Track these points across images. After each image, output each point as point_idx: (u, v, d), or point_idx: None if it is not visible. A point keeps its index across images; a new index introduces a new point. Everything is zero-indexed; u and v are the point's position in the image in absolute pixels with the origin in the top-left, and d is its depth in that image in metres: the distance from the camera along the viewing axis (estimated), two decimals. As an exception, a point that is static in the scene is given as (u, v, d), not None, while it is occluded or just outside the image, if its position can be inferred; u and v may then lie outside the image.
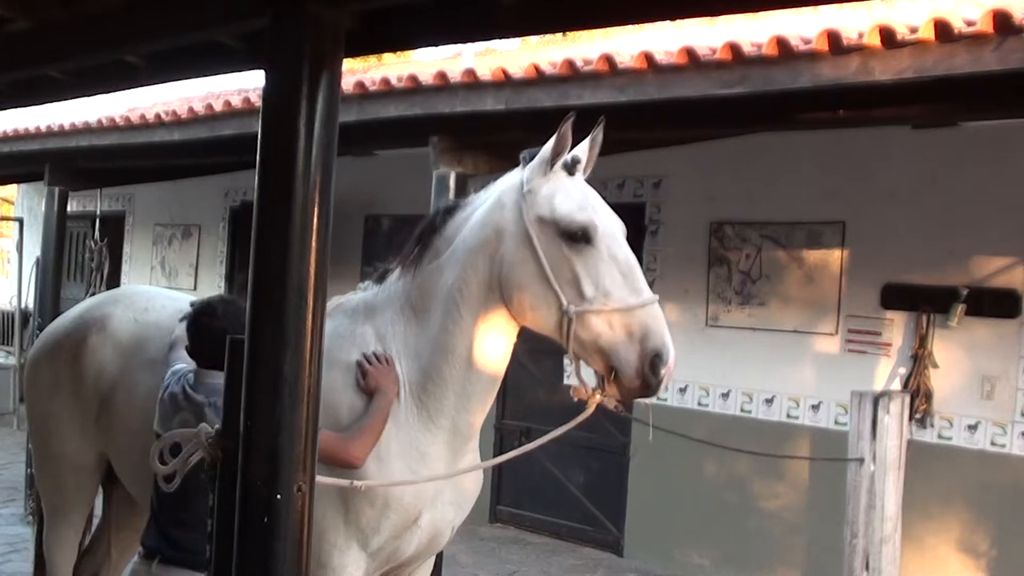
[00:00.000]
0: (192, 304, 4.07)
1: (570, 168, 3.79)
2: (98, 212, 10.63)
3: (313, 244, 2.74)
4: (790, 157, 8.26)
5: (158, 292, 5.13)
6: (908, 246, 7.69)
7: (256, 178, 2.75)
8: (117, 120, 8.58)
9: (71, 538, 4.89)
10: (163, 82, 3.96)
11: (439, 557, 6.10)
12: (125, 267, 14.30)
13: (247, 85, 7.74)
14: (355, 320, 4.14)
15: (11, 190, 20.19)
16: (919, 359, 7.56)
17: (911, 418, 7.55)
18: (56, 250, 9.58)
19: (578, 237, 3.63)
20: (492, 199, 3.91)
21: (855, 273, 7.97)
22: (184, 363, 4.01)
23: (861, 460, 4.72)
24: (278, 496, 2.69)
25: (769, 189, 8.42)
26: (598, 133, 3.90)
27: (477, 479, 4.35)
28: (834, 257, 8.07)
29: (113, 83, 4.15)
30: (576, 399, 3.70)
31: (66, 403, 4.71)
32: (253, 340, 2.73)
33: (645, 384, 3.51)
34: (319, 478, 3.30)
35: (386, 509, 3.91)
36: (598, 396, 3.68)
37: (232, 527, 2.75)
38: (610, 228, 3.69)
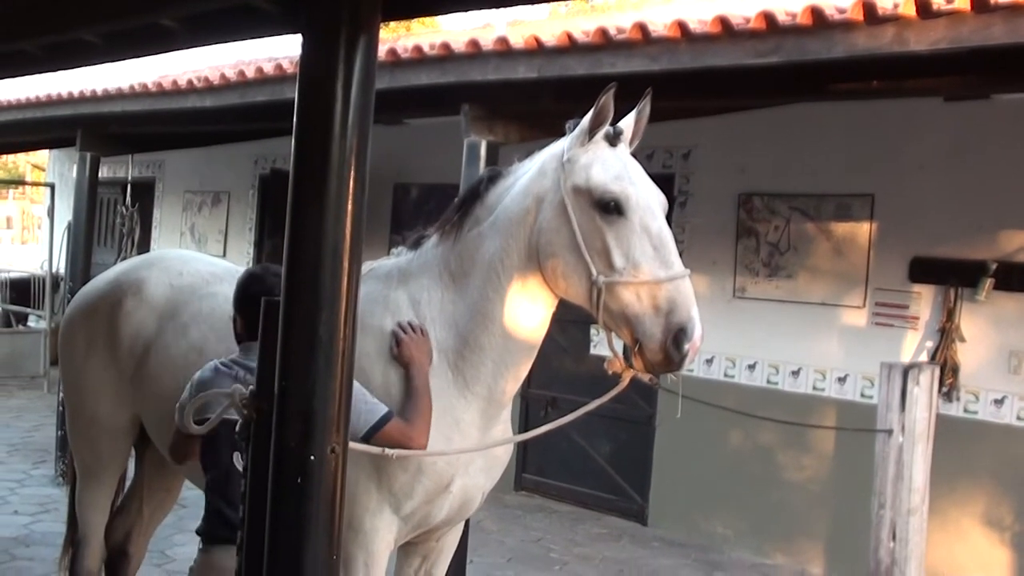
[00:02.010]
0: (243, 272, 4.04)
1: (612, 139, 3.76)
2: (129, 178, 10.65)
3: (349, 207, 2.72)
4: (820, 129, 8.21)
5: (192, 256, 5.14)
6: (937, 219, 7.64)
7: (293, 141, 2.74)
8: (149, 86, 8.58)
9: (104, 498, 4.93)
10: (198, 46, 3.92)
11: (466, 523, 6.14)
12: (155, 233, 14.37)
13: (278, 53, 7.73)
14: (388, 285, 4.14)
15: (43, 156, 20.32)
16: (946, 333, 7.53)
17: (939, 390, 7.55)
18: (87, 215, 9.62)
19: (611, 208, 3.60)
20: (535, 168, 3.90)
21: (883, 246, 7.92)
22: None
23: (890, 431, 4.70)
24: (312, 457, 2.69)
25: (798, 161, 8.38)
26: (645, 105, 3.87)
27: (508, 446, 4.36)
28: (862, 230, 8.03)
29: (147, 47, 4.12)
30: (611, 372, 3.67)
31: (101, 364, 4.73)
32: (289, 302, 2.73)
33: (668, 358, 3.48)
34: (352, 444, 3.33)
35: (419, 474, 3.93)
36: (632, 369, 3.67)
37: (264, 488, 2.76)
38: (645, 200, 3.65)
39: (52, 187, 15.58)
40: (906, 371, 4.67)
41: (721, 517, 8.75)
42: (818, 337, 8.27)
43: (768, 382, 8.55)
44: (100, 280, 5.09)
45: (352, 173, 2.74)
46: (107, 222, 14.46)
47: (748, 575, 8.02)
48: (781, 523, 8.38)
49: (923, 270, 7.71)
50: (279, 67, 7.52)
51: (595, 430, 9.30)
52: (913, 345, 7.74)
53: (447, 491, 4.06)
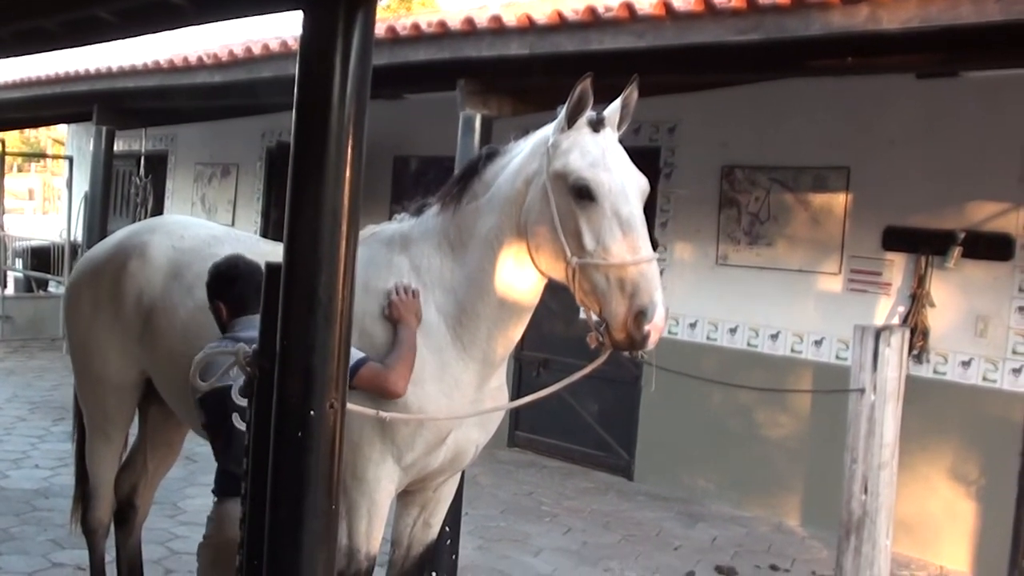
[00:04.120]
0: (213, 266, 4.06)
1: (595, 125, 3.74)
2: (142, 151, 10.63)
3: (347, 174, 2.71)
4: (799, 105, 8.19)
5: (192, 221, 5.15)
6: (909, 191, 7.64)
7: (294, 111, 2.73)
8: (161, 63, 8.56)
9: (112, 454, 4.93)
10: (206, 22, 3.89)
11: (462, 477, 6.16)
12: (168, 203, 14.32)
13: (284, 32, 7.70)
14: (391, 249, 4.17)
15: (62, 131, 20.25)
16: (917, 298, 7.54)
17: (910, 352, 7.57)
18: (103, 186, 9.63)
19: (583, 193, 3.61)
20: (527, 150, 3.91)
21: (858, 216, 7.92)
22: None
23: (862, 390, 4.71)
24: (311, 412, 2.70)
25: (778, 135, 8.36)
26: (632, 91, 3.84)
27: (504, 398, 4.40)
28: (838, 200, 8.02)
29: (159, 23, 4.11)
30: (592, 346, 3.68)
31: (107, 325, 4.72)
32: (290, 264, 2.73)
33: (630, 337, 3.49)
34: (348, 405, 3.34)
35: (420, 427, 3.98)
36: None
37: (267, 443, 2.77)
38: (618, 186, 3.63)
39: (70, 160, 15.53)
40: (878, 333, 4.68)
41: (703, 472, 8.78)
42: (796, 302, 8.28)
43: (748, 345, 8.56)
44: (104, 245, 5.06)
45: (350, 141, 2.73)
46: (122, 192, 14.42)
47: (728, 527, 8.04)
48: (759, 478, 8.42)
49: (895, 239, 7.71)
50: (284, 44, 7.49)
51: (584, 390, 9.27)
52: (886, 310, 7.76)
53: (443, 443, 4.10)
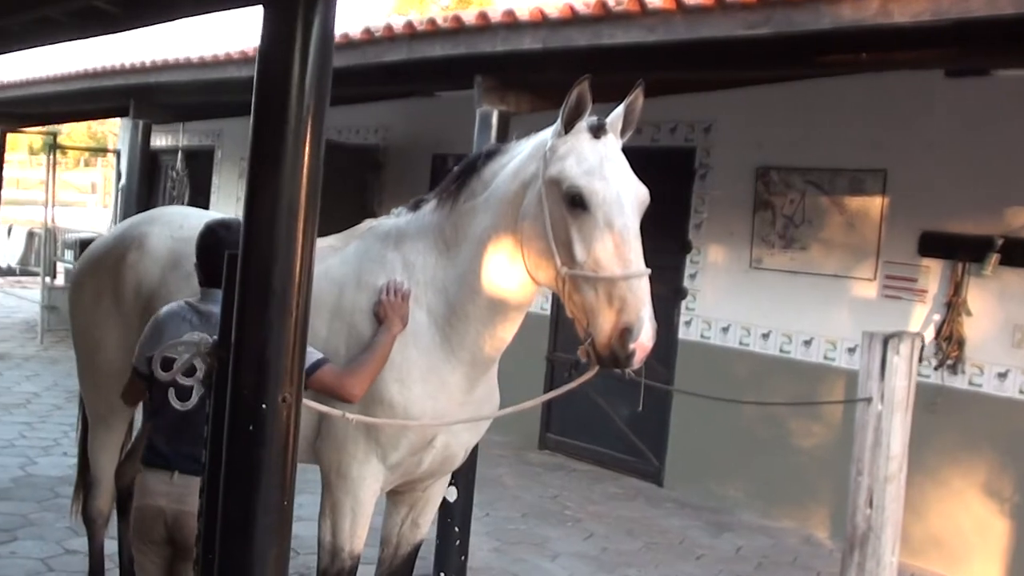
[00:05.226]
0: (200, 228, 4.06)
1: (596, 131, 3.65)
2: (180, 144, 10.76)
3: (305, 164, 2.71)
4: (834, 105, 8.08)
5: (191, 211, 5.20)
6: (946, 195, 7.50)
7: (253, 99, 2.73)
8: (192, 58, 8.66)
9: (113, 443, 4.98)
10: (166, 21, 4.02)
11: (468, 476, 6.17)
12: (213, 198, 14.45)
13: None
14: (386, 245, 4.16)
15: (115, 125, 20.60)
16: (953, 306, 7.40)
17: (944, 362, 7.43)
18: (140, 177, 9.76)
19: (576, 202, 3.52)
20: (526, 152, 3.84)
21: (894, 220, 7.79)
22: None
23: (869, 399, 4.61)
24: (263, 405, 2.69)
25: (814, 136, 8.25)
26: (636, 98, 3.74)
27: (493, 404, 4.34)
28: (875, 204, 7.90)
29: (156, 16, 4.18)
30: (583, 360, 3.57)
31: (108, 316, 4.78)
32: (245, 255, 2.73)
33: (614, 355, 3.39)
34: (310, 403, 3.35)
35: (404, 428, 3.96)
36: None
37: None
38: (613, 196, 3.52)
39: (118, 153, 15.77)
40: (886, 340, 4.56)
41: (732, 480, 8.69)
42: (830, 308, 8.16)
43: (781, 351, 8.46)
44: (105, 237, 5.16)
45: (308, 133, 2.73)
46: (164, 186, 14.61)
47: (754, 537, 7.95)
48: (790, 488, 8.31)
49: (932, 244, 7.57)
50: None
51: (616, 393, 9.19)
52: (921, 318, 7.62)
53: (430, 445, 4.11)
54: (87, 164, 56.78)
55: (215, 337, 2.93)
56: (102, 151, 27.30)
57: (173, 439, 3.79)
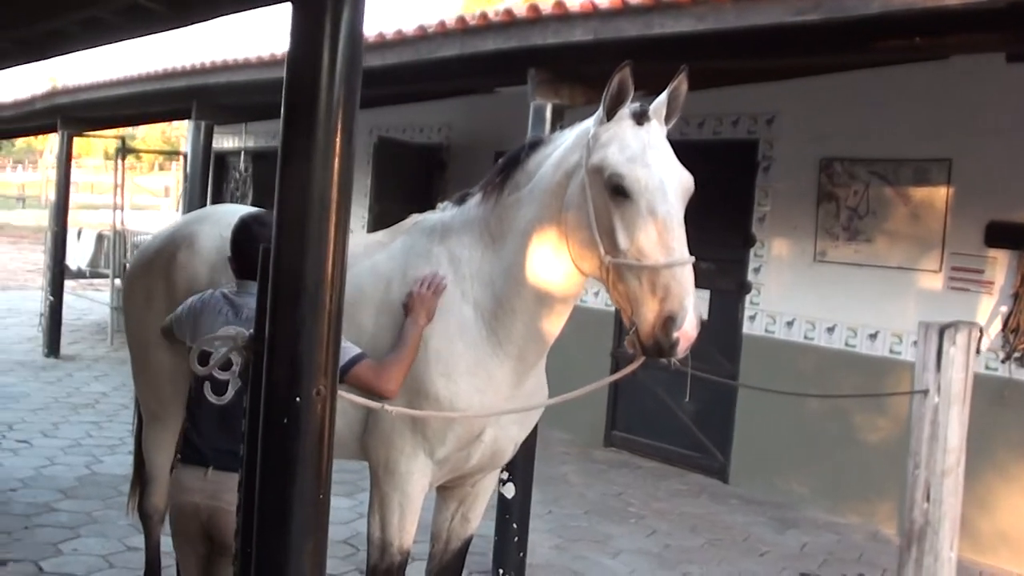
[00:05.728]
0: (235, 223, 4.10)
1: (639, 117, 3.60)
2: (243, 145, 10.88)
3: (336, 158, 2.74)
4: (897, 95, 7.95)
5: (241, 209, 5.24)
6: (1012, 184, 7.35)
7: (283, 96, 2.76)
8: (251, 58, 8.75)
9: (168, 440, 5.04)
10: (195, 22, 4.07)
11: (526, 472, 6.17)
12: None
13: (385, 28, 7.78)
14: (432, 240, 4.16)
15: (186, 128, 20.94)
16: (1020, 297, 7.27)
17: (1011, 355, 7.29)
18: (202, 178, 9.89)
19: (619, 189, 3.49)
20: (569, 141, 3.83)
21: (960, 210, 7.65)
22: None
23: (926, 391, 4.52)
24: (297, 399, 2.72)
25: (877, 127, 8.13)
26: (679, 84, 3.68)
27: (542, 399, 4.32)
28: (940, 194, 7.76)
29: (200, 14, 4.24)
30: (630, 351, 3.53)
31: (160, 315, 4.84)
32: (277, 250, 2.76)
33: (658, 344, 3.34)
34: (347, 395, 3.37)
35: (451, 421, 3.97)
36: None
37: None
38: (656, 183, 3.48)
39: (185, 156, 16.00)
40: (942, 331, 4.47)
41: (798, 476, 8.60)
42: (895, 301, 8.04)
43: (846, 345, 8.35)
44: (156, 237, 5.22)
45: (339, 127, 2.75)
46: (230, 187, 14.82)
47: (820, 533, 7.86)
48: (856, 483, 8.20)
49: (999, 235, 7.42)
50: (381, 35, 7.39)
51: (680, 389, 9.20)
52: (988, 309, 7.48)
53: (479, 440, 4.09)
54: (161, 168, 57.79)
55: (251, 331, 2.96)
56: (172, 154, 27.69)
57: (209, 434, 3.83)
